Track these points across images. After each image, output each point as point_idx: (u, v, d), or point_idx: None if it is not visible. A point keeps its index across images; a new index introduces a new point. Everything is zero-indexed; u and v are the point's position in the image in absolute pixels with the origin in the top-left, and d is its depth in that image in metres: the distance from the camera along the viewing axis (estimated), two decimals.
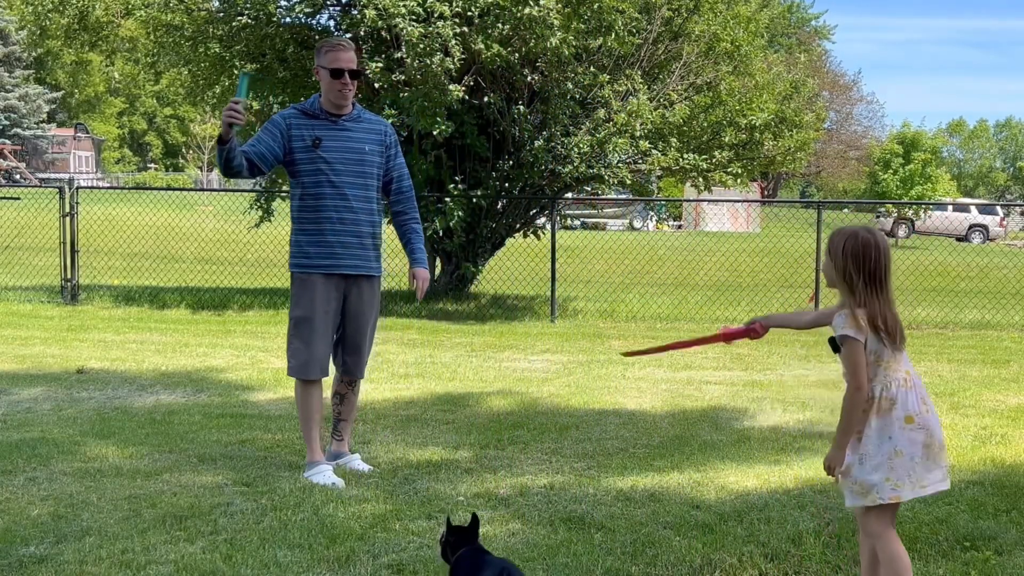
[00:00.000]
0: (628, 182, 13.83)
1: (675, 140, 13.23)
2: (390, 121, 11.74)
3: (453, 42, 11.36)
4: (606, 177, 13.22)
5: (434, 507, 4.46)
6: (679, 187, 34.70)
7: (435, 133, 11.89)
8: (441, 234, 13.08)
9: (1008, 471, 5.28)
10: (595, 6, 11.81)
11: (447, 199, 12.70)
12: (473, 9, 11.63)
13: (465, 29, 11.58)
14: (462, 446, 5.75)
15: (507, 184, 13.47)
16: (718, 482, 5.00)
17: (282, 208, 13.95)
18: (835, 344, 3.21)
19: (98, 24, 14.46)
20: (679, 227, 38.23)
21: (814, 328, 3.56)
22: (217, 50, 12.58)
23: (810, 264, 13.75)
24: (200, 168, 55.76)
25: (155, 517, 4.32)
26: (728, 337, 3.60)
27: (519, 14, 11.36)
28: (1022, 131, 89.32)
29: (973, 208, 40.37)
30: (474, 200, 13.03)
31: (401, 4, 11.34)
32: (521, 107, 12.73)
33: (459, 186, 12.85)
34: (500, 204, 13.83)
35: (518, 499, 4.66)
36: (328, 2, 13.23)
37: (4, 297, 13.52)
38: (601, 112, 12.77)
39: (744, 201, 29.31)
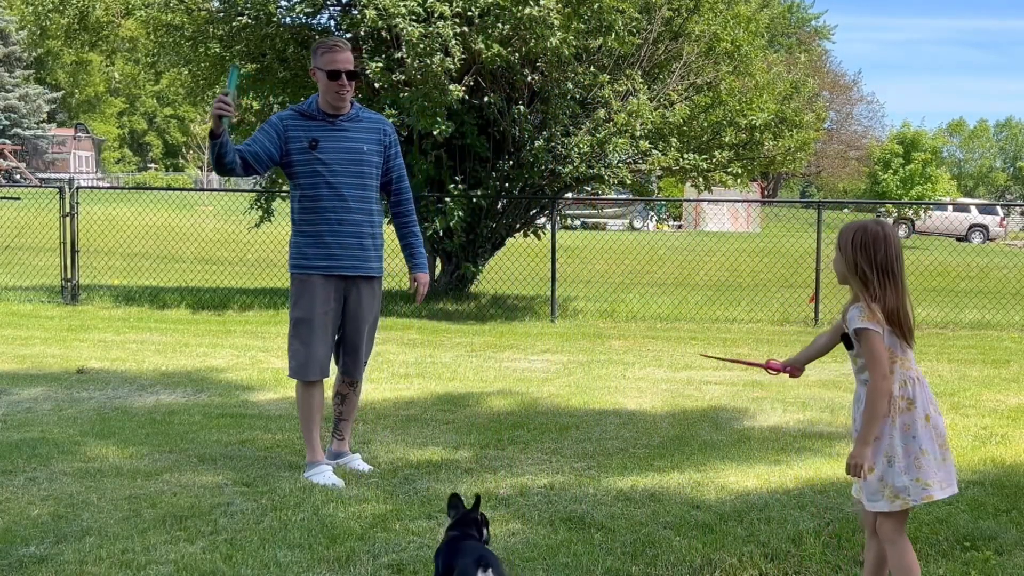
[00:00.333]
0: (628, 182, 13.82)
1: (675, 140, 13.23)
2: (390, 121, 11.80)
3: (453, 42, 11.36)
4: (606, 177, 13.22)
5: (434, 507, 4.46)
6: (679, 187, 34.70)
7: (435, 133, 11.89)
8: (441, 234, 13.08)
9: (1008, 471, 5.28)
10: (595, 6, 11.81)
11: (447, 199, 12.70)
12: (473, 9, 11.63)
13: (465, 29, 11.58)
14: (462, 446, 5.75)
15: (507, 184, 13.47)
16: (718, 482, 5.00)
17: (282, 208, 13.95)
18: (849, 340, 3.16)
19: (98, 24, 14.46)
20: (679, 227, 38.23)
21: (837, 343, 3.43)
22: (217, 50, 12.58)
23: (810, 264, 13.76)
24: (200, 168, 55.73)
25: (155, 517, 4.32)
26: (771, 368, 3.64)
27: (519, 14, 11.36)
28: (1022, 131, 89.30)
29: (973, 208, 40.38)
30: (474, 200, 13.03)
31: (401, 4, 11.34)
32: (521, 107, 12.73)
33: (459, 186, 12.85)
34: (500, 204, 13.83)
35: (518, 499, 4.66)
36: (328, 2, 13.23)
37: (4, 297, 13.52)
38: (601, 112, 12.77)
39: (744, 201, 29.31)
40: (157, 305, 13.18)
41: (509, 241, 14.55)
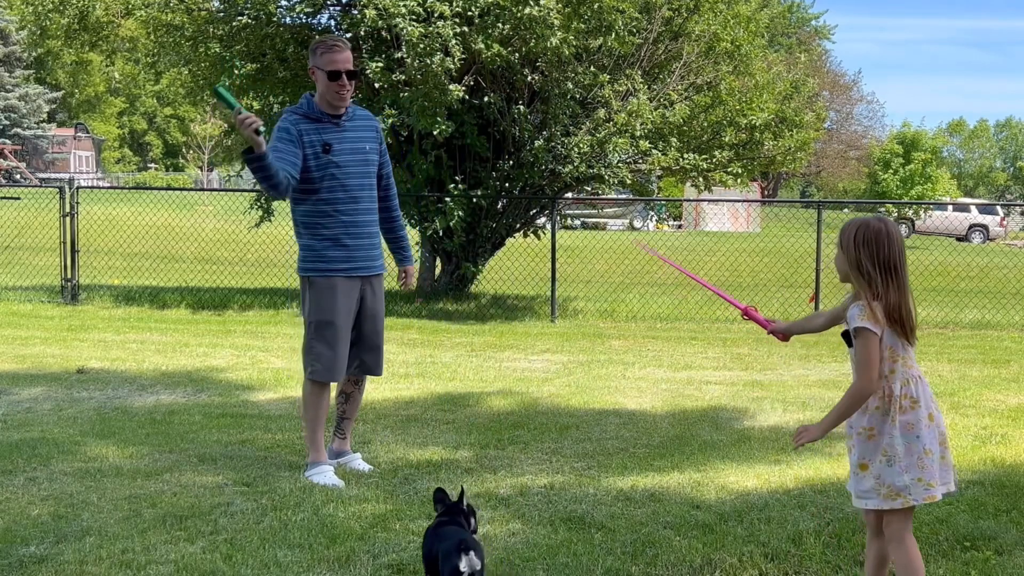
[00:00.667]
0: (628, 182, 13.83)
1: (675, 140, 13.23)
2: (390, 121, 11.82)
3: (453, 42, 11.36)
4: (606, 177, 13.22)
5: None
6: (679, 187, 34.70)
7: (435, 133, 11.89)
8: (441, 234, 13.09)
9: (1008, 471, 5.28)
10: (595, 6, 11.81)
11: (447, 199, 12.70)
12: (473, 9, 11.63)
13: (465, 29, 11.57)
14: (462, 446, 5.75)
15: (507, 184, 13.47)
16: (718, 482, 5.00)
17: (282, 208, 13.94)
18: (849, 338, 3.15)
19: (98, 24, 14.45)
20: (679, 227, 38.24)
21: (831, 327, 3.46)
22: (217, 50, 12.57)
23: (810, 264, 13.76)
24: (200, 168, 55.75)
25: (155, 517, 4.32)
26: (748, 314, 3.66)
27: (519, 14, 11.36)
28: (1022, 131, 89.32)
29: (973, 208, 40.38)
30: (474, 200, 13.03)
31: (401, 4, 11.34)
32: (521, 107, 12.73)
33: (459, 186, 12.85)
34: (500, 204, 13.83)
35: (518, 499, 4.66)
36: (328, 2, 13.23)
37: (4, 297, 13.51)
38: (601, 112, 12.77)
39: (744, 201, 29.31)
40: (157, 305, 13.18)
41: (509, 241, 14.55)
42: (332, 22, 13.77)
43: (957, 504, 4.60)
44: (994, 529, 4.25)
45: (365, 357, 5.21)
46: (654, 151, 13.16)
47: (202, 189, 43.19)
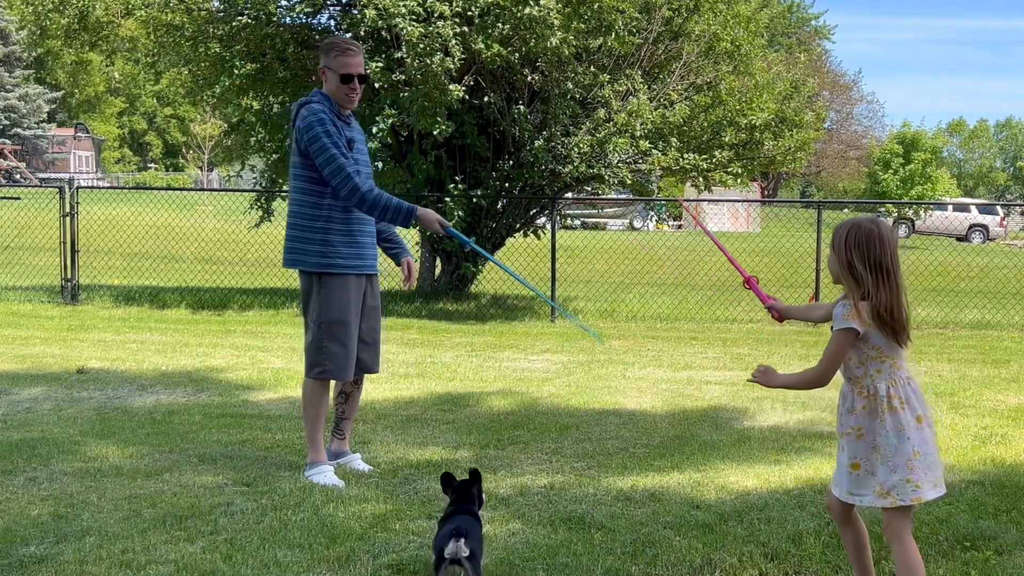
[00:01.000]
0: (628, 182, 13.83)
1: (675, 140, 13.23)
2: (390, 121, 11.83)
3: (453, 42, 11.36)
4: (606, 177, 13.22)
5: (434, 507, 4.46)
6: (679, 187, 34.69)
7: (435, 133, 11.89)
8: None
9: (1008, 471, 5.28)
10: (595, 6, 11.81)
11: (447, 199, 12.70)
12: (473, 9, 11.63)
13: (465, 29, 11.58)
14: (462, 446, 5.75)
15: (507, 184, 13.47)
16: (718, 482, 5.00)
17: (282, 208, 13.94)
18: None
19: (98, 24, 14.45)
20: (679, 227, 38.24)
21: (827, 322, 3.44)
22: (217, 50, 12.58)
23: (810, 264, 13.76)
24: (200, 168, 55.75)
25: (155, 517, 4.31)
26: (750, 284, 3.75)
27: (519, 14, 11.36)
28: (1022, 131, 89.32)
29: (973, 208, 40.38)
30: (474, 200, 13.03)
31: (401, 4, 11.34)
32: (521, 107, 12.73)
33: (459, 186, 12.85)
34: (500, 204, 13.83)
35: (518, 499, 4.66)
36: (328, 2, 13.23)
37: (4, 297, 13.52)
38: (601, 112, 12.77)
39: (744, 201, 29.32)
40: (157, 305, 13.18)
41: (509, 241, 14.55)
42: (332, 22, 13.78)
43: (957, 504, 4.60)
44: (994, 529, 4.25)
45: (363, 355, 5.21)
46: (654, 151, 13.16)
47: (202, 189, 43.20)
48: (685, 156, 13.33)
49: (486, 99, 12.52)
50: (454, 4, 11.58)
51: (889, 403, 3.11)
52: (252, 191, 14.88)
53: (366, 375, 5.42)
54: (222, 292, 13.95)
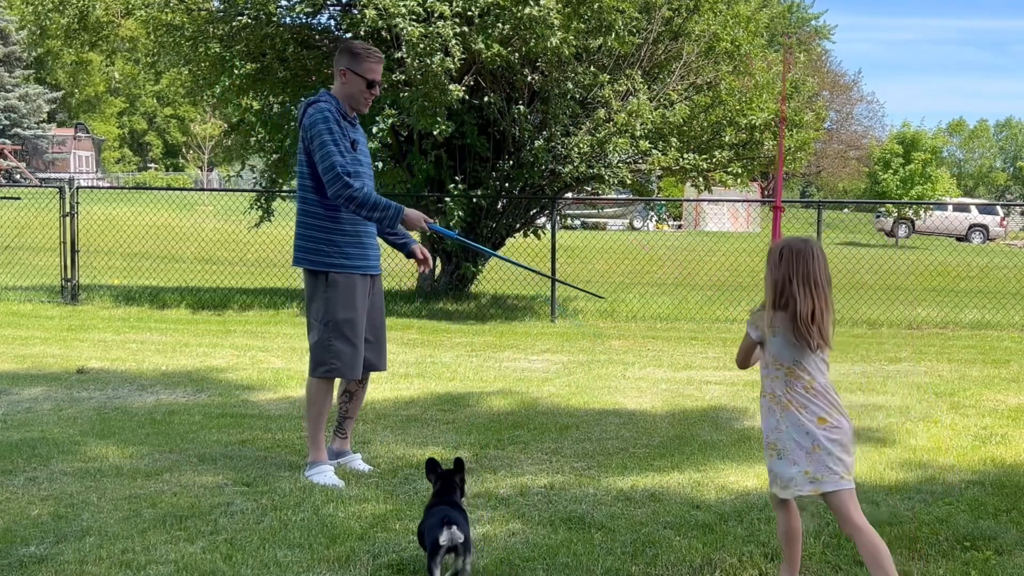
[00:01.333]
0: (628, 182, 13.82)
1: (675, 140, 13.23)
2: (390, 121, 11.83)
3: (453, 42, 11.36)
4: (606, 177, 13.22)
5: None
6: (679, 187, 34.70)
7: (435, 133, 11.89)
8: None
9: (1008, 471, 5.28)
10: (595, 6, 11.81)
11: (447, 199, 12.70)
12: (473, 9, 11.63)
13: (465, 29, 11.57)
14: (462, 446, 5.75)
15: (507, 184, 13.47)
16: (718, 482, 5.00)
17: (282, 208, 13.96)
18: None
19: (98, 24, 14.45)
20: (679, 227, 38.25)
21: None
22: (217, 50, 12.57)
23: None
24: (200, 168, 55.75)
25: (155, 517, 4.31)
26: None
27: (519, 14, 11.36)
28: (1022, 131, 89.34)
29: (973, 208, 40.37)
30: (474, 200, 13.03)
31: (401, 4, 11.34)
32: (521, 107, 12.73)
33: (459, 186, 12.85)
34: (500, 204, 13.83)
35: (518, 499, 4.66)
36: (328, 2, 13.23)
37: (4, 297, 13.52)
38: (601, 112, 12.76)
39: (744, 201, 29.32)
40: (157, 305, 13.19)
41: (509, 241, 14.55)
42: (332, 22, 13.78)
43: (957, 504, 4.61)
44: (994, 529, 4.25)
45: (369, 354, 5.23)
46: (654, 151, 13.16)
47: (202, 189, 43.21)
48: (685, 156, 13.33)
49: (486, 99, 12.52)
50: (454, 4, 11.58)
51: (788, 404, 3.36)
52: (252, 191, 14.88)
53: (371, 375, 5.44)
54: (222, 292, 13.95)
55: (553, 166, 13.07)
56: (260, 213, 13.96)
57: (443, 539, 3.44)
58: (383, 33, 11.79)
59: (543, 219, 15.03)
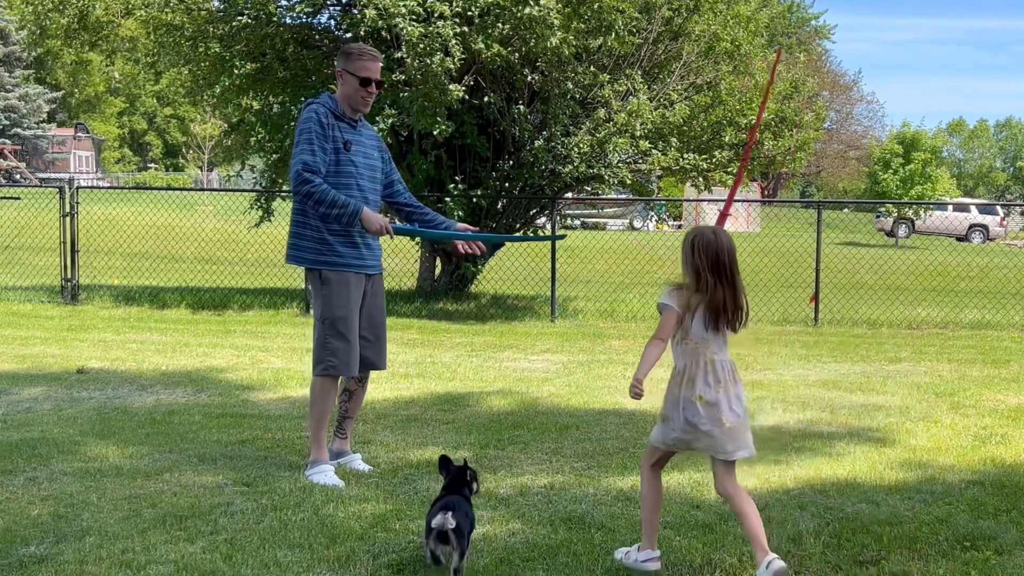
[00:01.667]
0: (628, 182, 13.83)
1: (675, 140, 13.23)
2: (390, 121, 11.83)
3: (453, 42, 11.36)
4: (606, 177, 13.22)
5: None
6: (679, 187, 34.70)
7: (435, 133, 11.89)
8: None
9: (1008, 471, 5.28)
10: (595, 6, 11.81)
11: (447, 199, 12.70)
12: (473, 9, 11.63)
13: (465, 29, 11.57)
14: (462, 446, 5.75)
15: (507, 184, 13.47)
16: None
17: (282, 208, 13.95)
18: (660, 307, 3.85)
19: (98, 24, 14.45)
20: (679, 227, 38.26)
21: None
22: (217, 50, 12.57)
23: (810, 264, 13.75)
24: (200, 168, 55.75)
25: (155, 517, 4.31)
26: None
27: (519, 14, 11.36)
28: (1022, 131, 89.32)
29: (973, 208, 40.36)
30: (474, 200, 13.02)
31: (401, 4, 11.34)
32: (521, 107, 12.73)
33: (459, 186, 12.85)
34: (500, 204, 13.83)
35: (518, 499, 4.66)
36: (328, 2, 13.23)
37: (4, 297, 13.52)
38: (601, 112, 12.77)
39: (744, 201, 29.33)
40: (157, 305, 13.19)
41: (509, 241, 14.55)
42: (332, 22, 13.78)
43: (957, 504, 4.61)
44: (994, 529, 4.25)
45: (368, 352, 5.25)
46: (654, 151, 13.16)
47: (202, 189, 43.22)
48: (685, 156, 13.33)
49: (486, 99, 12.52)
50: (454, 4, 11.58)
51: (683, 381, 3.77)
52: (252, 191, 14.88)
53: (371, 374, 5.44)
54: (222, 292, 13.95)
55: (553, 166, 13.07)
56: (260, 213, 13.96)
57: (435, 523, 3.56)
58: (383, 33, 11.79)
59: (543, 219, 15.03)
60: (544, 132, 12.96)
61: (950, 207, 38.59)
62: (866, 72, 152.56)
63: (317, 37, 13.47)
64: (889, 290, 15.34)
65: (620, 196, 22.08)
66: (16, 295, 13.67)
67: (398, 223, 5.24)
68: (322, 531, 4.14)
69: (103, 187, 28.95)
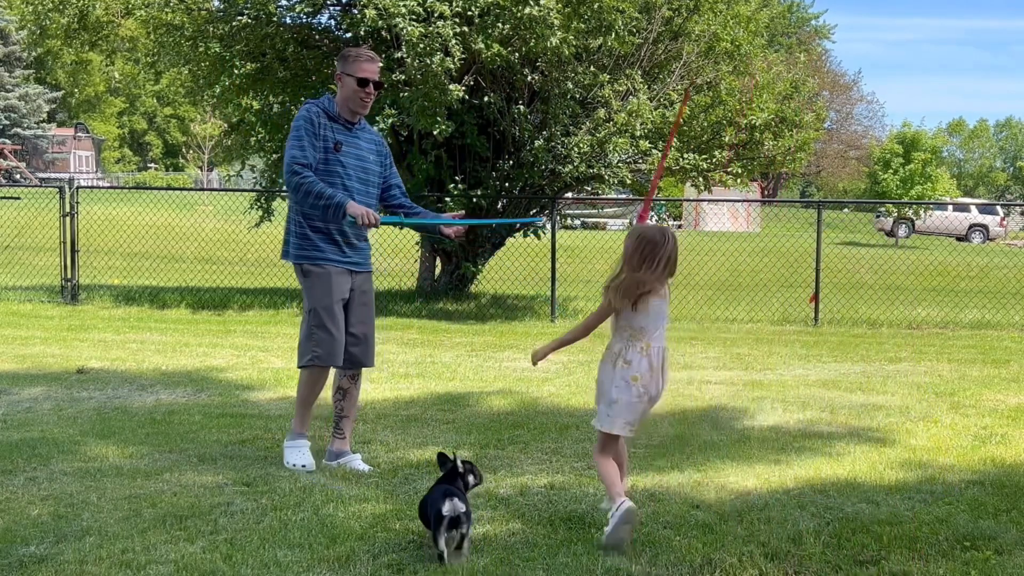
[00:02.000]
0: (628, 182, 13.83)
1: (675, 140, 13.23)
2: (390, 121, 11.83)
3: (453, 42, 11.36)
4: (606, 177, 13.22)
5: None
6: (679, 187, 34.68)
7: (435, 133, 11.89)
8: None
9: (1008, 471, 5.28)
10: (595, 6, 11.81)
11: (447, 199, 12.70)
12: (473, 9, 11.63)
13: (465, 29, 11.57)
14: (462, 446, 5.75)
15: (507, 184, 13.47)
16: (718, 482, 5.00)
17: (282, 208, 13.95)
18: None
19: (98, 24, 14.45)
20: (679, 227, 38.26)
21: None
22: (217, 50, 12.57)
23: (810, 264, 13.76)
24: (200, 168, 55.74)
25: (155, 517, 4.31)
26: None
27: (519, 14, 11.36)
28: (1022, 131, 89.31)
29: (973, 208, 40.36)
30: (474, 200, 13.02)
31: (401, 4, 11.34)
32: (521, 107, 12.73)
33: (459, 186, 12.85)
34: (500, 204, 13.83)
35: (518, 499, 4.66)
36: (328, 2, 13.23)
37: (4, 297, 13.52)
38: (601, 112, 12.77)
39: (744, 201, 29.32)
40: (157, 305, 13.19)
41: (509, 241, 14.55)
42: (332, 22, 13.78)
43: (957, 504, 4.61)
44: (994, 529, 4.25)
45: (355, 349, 5.30)
46: (654, 151, 13.16)
47: (202, 189, 43.22)
48: (685, 156, 13.33)
49: (486, 99, 12.52)
50: (454, 4, 11.58)
51: (617, 359, 4.15)
52: (252, 191, 14.88)
53: (365, 375, 5.46)
54: (222, 292, 13.96)
55: (553, 166, 13.07)
56: (260, 213, 13.96)
57: (446, 510, 3.71)
58: (383, 33, 11.80)
59: (543, 219, 15.02)
60: (544, 132, 12.96)
61: (950, 207, 38.59)
62: (866, 72, 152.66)
63: (317, 37, 13.47)
64: (889, 290, 15.34)
65: (620, 196, 22.07)
66: (16, 295, 13.67)
67: (385, 215, 5.26)
68: (322, 531, 4.14)
69: (103, 187, 28.96)
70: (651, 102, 13.01)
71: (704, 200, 19.07)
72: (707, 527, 4.24)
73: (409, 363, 8.94)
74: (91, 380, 7.82)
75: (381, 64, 5.39)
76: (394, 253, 14.59)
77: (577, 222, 32.78)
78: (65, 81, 66.81)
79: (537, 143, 12.70)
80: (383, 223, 5.22)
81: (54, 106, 62.53)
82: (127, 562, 3.78)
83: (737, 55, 14.12)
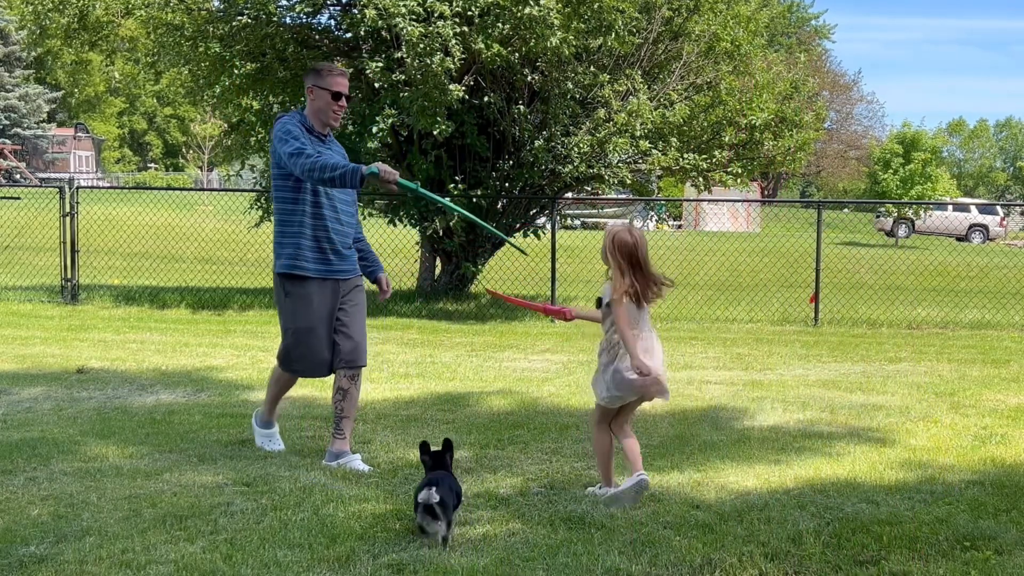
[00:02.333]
0: (628, 182, 13.83)
1: (675, 140, 13.24)
2: (390, 121, 11.84)
3: (453, 42, 11.36)
4: (606, 177, 13.22)
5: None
6: (679, 187, 34.70)
7: (435, 133, 11.89)
8: (441, 234, 13.08)
9: (1008, 471, 5.28)
10: (595, 6, 11.81)
11: (447, 199, 12.70)
12: (473, 9, 11.63)
13: (465, 29, 11.57)
14: (462, 446, 5.75)
15: (507, 184, 13.47)
16: (718, 482, 5.00)
17: None
18: (600, 302, 4.69)
19: (98, 24, 14.44)
20: (679, 227, 38.27)
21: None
22: (217, 50, 12.57)
23: (810, 264, 13.76)
24: (200, 168, 55.74)
25: (155, 517, 4.32)
26: (547, 311, 5.20)
27: (519, 14, 11.36)
28: (1022, 131, 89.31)
29: (973, 208, 40.36)
30: (474, 200, 13.02)
31: (401, 4, 11.34)
32: (521, 107, 12.73)
33: (459, 186, 12.85)
34: (500, 204, 13.83)
35: (518, 499, 4.66)
36: (328, 2, 13.23)
37: (4, 297, 13.52)
38: (601, 112, 12.77)
39: (744, 201, 29.32)
40: (157, 305, 13.19)
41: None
42: (332, 22, 13.78)
43: (957, 504, 4.61)
44: (994, 529, 4.25)
45: (346, 350, 5.31)
46: (654, 151, 13.16)
47: (202, 189, 43.22)
48: (685, 156, 13.33)
49: (486, 99, 12.52)
50: (454, 4, 11.58)
51: (613, 350, 4.57)
52: (252, 191, 14.88)
53: (365, 375, 5.47)
54: (222, 292, 13.96)
55: (553, 166, 13.07)
56: (260, 213, 13.97)
57: (421, 497, 3.92)
58: (383, 33, 11.80)
59: (543, 219, 15.03)
60: (544, 132, 12.97)
61: (950, 207, 38.59)
62: (866, 72, 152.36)
63: (317, 37, 13.47)
64: (889, 290, 15.34)
65: (620, 196, 22.08)
66: (16, 295, 13.67)
67: (401, 180, 5.17)
68: (322, 531, 4.14)
69: (103, 187, 28.96)
70: (651, 102, 13.01)
71: (704, 200, 19.08)
72: (707, 527, 4.24)
73: (409, 363, 8.94)
74: (91, 380, 7.82)
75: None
76: (394, 253, 14.60)
77: (577, 222, 32.77)
78: (65, 81, 66.80)
79: (537, 143, 12.70)
80: (400, 185, 5.14)
81: (54, 106, 62.53)
82: (127, 562, 3.79)
83: (737, 55, 14.12)
